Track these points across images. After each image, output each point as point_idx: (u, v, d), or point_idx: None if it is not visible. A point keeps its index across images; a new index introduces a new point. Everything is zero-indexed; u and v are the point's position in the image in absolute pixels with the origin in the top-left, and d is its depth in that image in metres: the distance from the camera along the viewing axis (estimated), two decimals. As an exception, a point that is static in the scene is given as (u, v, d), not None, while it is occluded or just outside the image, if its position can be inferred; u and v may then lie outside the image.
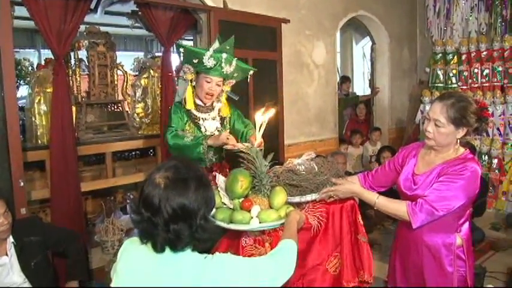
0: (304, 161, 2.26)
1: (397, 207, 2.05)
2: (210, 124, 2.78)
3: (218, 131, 2.79)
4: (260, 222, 1.94)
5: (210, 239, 1.44)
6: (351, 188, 2.16)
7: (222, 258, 1.43)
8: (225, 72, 2.68)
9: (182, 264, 1.37)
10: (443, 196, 1.95)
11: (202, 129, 2.74)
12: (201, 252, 1.42)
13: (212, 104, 2.80)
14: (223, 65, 2.63)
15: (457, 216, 2.05)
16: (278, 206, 2.03)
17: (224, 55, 2.63)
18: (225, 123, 2.87)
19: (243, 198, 2.07)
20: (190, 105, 2.72)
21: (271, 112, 2.34)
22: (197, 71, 2.69)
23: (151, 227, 1.34)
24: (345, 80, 7.35)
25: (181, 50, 2.69)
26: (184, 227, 1.35)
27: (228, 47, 2.67)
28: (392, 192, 2.24)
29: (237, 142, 2.65)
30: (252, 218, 1.96)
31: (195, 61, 2.62)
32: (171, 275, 1.35)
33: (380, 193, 2.16)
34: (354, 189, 2.17)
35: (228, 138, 2.56)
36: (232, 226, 1.94)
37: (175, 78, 2.93)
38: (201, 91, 2.70)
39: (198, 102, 2.77)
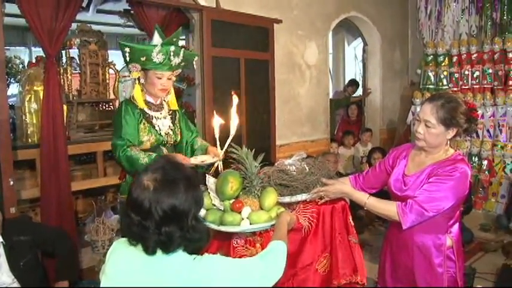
0: (295, 161, 2.28)
1: (387, 208, 2.06)
2: (162, 123, 2.67)
3: (171, 129, 2.70)
4: (251, 224, 1.93)
5: (201, 238, 1.43)
6: (341, 188, 2.18)
7: (211, 259, 1.42)
8: (173, 65, 2.58)
9: (171, 265, 1.36)
10: (433, 197, 1.96)
11: (157, 128, 2.62)
12: (191, 252, 1.42)
13: (162, 102, 2.71)
14: (171, 58, 2.53)
15: (447, 217, 2.07)
16: (269, 207, 2.02)
17: (172, 48, 2.51)
18: (176, 120, 2.77)
19: (233, 200, 2.05)
20: (141, 105, 2.58)
21: (236, 120, 2.41)
22: (144, 68, 2.55)
23: (143, 230, 1.33)
24: (352, 83, 7.38)
25: (127, 49, 2.47)
26: (176, 229, 1.34)
27: (175, 39, 2.58)
28: (384, 193, 2.25)
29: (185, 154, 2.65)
30: (242, 219, 1.95)
31: (143, 59, 2.48)
32: (159, 276, 1.35)
33: (371, 194, 2.18)
34: (344, 189, 2.18)
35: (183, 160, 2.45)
36: (222, 228, 1.93)
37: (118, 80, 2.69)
38: (154, 88, 2.58)
39: (149, 99, 2.64)
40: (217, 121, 2.48)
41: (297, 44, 5.33)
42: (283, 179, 2.14)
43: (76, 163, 4.53)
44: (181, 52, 2.59)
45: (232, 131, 2.44)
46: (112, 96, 5.05)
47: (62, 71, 4.53)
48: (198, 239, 1.41)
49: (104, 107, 4.97)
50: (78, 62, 4.73)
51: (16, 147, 3.72)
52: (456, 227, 2.16)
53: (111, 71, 4.96)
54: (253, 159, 2.14)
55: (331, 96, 6.89)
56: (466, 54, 6.01)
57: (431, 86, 6.29)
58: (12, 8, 3.40)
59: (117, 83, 5.04)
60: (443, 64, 6.23)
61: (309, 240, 2.21)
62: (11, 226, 2.67)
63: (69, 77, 4.64)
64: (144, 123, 2.58)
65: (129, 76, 2.60)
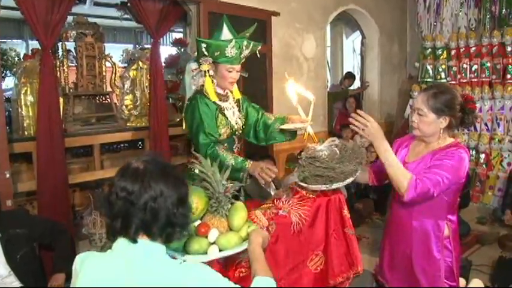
0: (326, 147, 2.21)
1: (400, 176, 1.99)
2: (233, 113, 2.74)
3: (239, 118, 2.78)
4: (220, 250, 1.75)
5: (185, 225, 1.40)
6: (379, 129, 2.07)
7: (200, 267, 1.37)
8: (242, 57, 2.64)
9: (155, 272, 1.31)
10: (437, 178, 1.99)
11: (229, 119, 2.69)
12: (172, 243, 1.40)
13: (227, 92, 2.76)
14: (243, 51, 2.60)
15: (446, 202, 2.11)
16: (239, 226, 1.85)
17: (245, 42, 2.57)
18: (241, 108, 2.83)
19: (198, 222, 1.86)
20: (213, 97, 2.63)
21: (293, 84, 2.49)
22: (215, 61, 2.60)
23: (128, 206, 1.30)
24: (349, 76, 7.36)
25: (204, 45, 2.52)
26: (162, 207, 1.32)
27: (247, 33, 2.63)
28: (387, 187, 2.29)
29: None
30: (210, 244, 1.76)
31: (217, 53, 2.53)
32: (143, 280, 1.29)
33: (375, 186, 2.23)
34: (381, 133, 2.08)
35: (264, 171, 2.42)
36: (189, 258, 1.70)
37: (182, 74, 2.75)
38: (224, 81, 2.64)
39: (218, 91, 2.69)
40: (293, 89, 2.54)
41: (294, 37, 5.32)
42: (319, 169, 2.08)
43: (73, 156, 4.51)
44: (251, 44, 2.64)
45: (311, 97, 2.54)
46: (109, 89, 5.03)
47: (58, 63, 4.50)
48: (182, 225, 1.38)
49: (101, 100, 4.96)
50: (75, 54, 4.71)
51: (12, 140, 3.70)
52: (455, 217, 2.20)
53: (107, 63, 4.94)
54: (220, 174, 1.94)
55: (328, 89, 6.87)
56: (465, 47, 5.99)
57: (429, 80, 6.26)
58: (8, 1, 3.37)
59: (114, 75, 5.02)
60: (441, 57, 6.21)
61: (300, 238, 2.15)
62: (8, 219, 2.66)
63: (66, 70, 4.61)
64: (220, 116, 2.63)
65: (196, 69, 2.68)
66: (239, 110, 2.80)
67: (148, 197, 1.30)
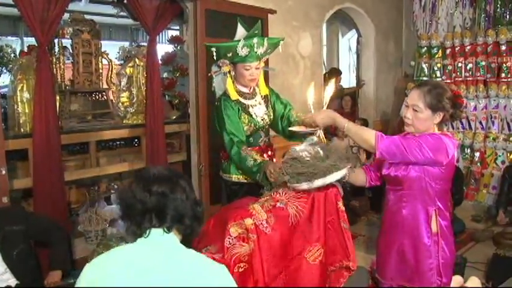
0: (306, 147, 2.23)
1: (366, 132, 2.16)
2: (258, 110, 2.82)
3: (266, 114, 2.85)
4: None
5: (202, 218, 1.55)
6: (327, 113, 2.30)
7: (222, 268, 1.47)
8: (259, 55, 2.70)
9: (188, 257, 1.44)
10: (414, 143, 2.06)
11: (254, 116, 2.77)
12: (187, 240, 1.51)
13: (254, 89, 2.84)
14: (255, 49, 2.65)
15: (432, 190, 2.14)
16: None
17: (255, 40, 2.63)
18: (269, 103, 2.90)
19: None
20: (234, 96, 2.74)
21: (331, 87, 2.49)
22: (233, 62, 2.72)
23: (163, 198, 1.43)
24: (335, 72, 7.31)
25: (213, 49, 2.66)
26: (190, 201, 1.49)
27: (256, 31, 2.69)
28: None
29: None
30: None
31: (229, 54, 2.65)
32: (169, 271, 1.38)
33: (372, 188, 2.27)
34: (330, 114, 2.29)
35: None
36: None
37: (212, 76, 2.81)
38: (244, 79, 2.73)
39: (243, 89, 2.79)
40: (311, 90, 2.59)
41: (291, 35, 5.31)
42: (297, 167, 2.10)
43: (69, 153, 4.51)
44: (265, 41, 2.71)
45: (326, 99, 2.51)
46: (105, 86, 5.02)
47: (54, 60, 4.49)
48: (201, 217, 1.54)
49: (97, 97, 4.95)
50: (71, 51, 4.70)
51: (8, 137, 3.69)
52: (447, 213, 2.23)
53: (104, 61, 4.93)
54: None
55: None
56: (460, 46, 6.01)
57: (424, 78, 6.27)
58: (3, -3, 3.37)
59: (110, 72, 5.02)
60: (436, 56, 6.24)
61: (297, 230, 2.18)
62: (4, 215, 2.66)
63: (62, 67, 4.61)
64: (243, 115, 2.75)
65: (216, 72, 2.84)
66: (267, 106, 2.88)
67: (180, 193, 1.47)
